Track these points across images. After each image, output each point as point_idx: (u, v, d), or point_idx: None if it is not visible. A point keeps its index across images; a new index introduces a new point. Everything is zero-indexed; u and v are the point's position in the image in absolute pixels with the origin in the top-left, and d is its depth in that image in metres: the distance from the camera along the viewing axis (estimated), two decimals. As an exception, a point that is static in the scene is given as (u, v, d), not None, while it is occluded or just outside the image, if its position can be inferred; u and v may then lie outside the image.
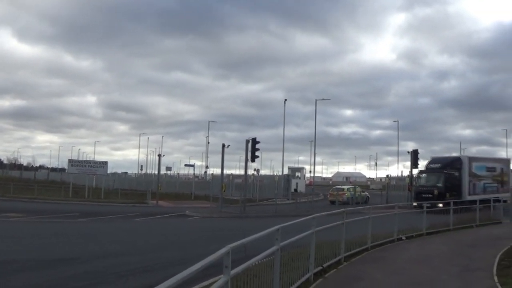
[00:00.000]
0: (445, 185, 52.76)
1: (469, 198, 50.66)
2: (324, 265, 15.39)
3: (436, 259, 18.75)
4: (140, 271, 17.12)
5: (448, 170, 54.31)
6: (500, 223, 34.72)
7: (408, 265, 17.41)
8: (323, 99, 75.63)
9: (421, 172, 58.38)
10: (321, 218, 15.42)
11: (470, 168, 55.64)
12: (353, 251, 18.67)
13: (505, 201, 47.68)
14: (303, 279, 13.16)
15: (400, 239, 23.96)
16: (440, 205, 40.84)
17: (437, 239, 25.33)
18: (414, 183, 59.30)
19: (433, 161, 58.09)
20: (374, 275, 15.32)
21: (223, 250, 7.18)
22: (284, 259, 11.78)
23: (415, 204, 44.85)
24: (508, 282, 14.11)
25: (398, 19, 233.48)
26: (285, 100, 71.32)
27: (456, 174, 54.50)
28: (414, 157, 60.47)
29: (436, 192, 52.03)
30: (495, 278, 14.98)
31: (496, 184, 59.13)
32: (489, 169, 58.88)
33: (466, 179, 54.76)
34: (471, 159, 57.20)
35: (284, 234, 11.03)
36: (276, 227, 10.66)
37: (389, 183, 71.28)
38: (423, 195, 51.53)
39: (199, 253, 21.38)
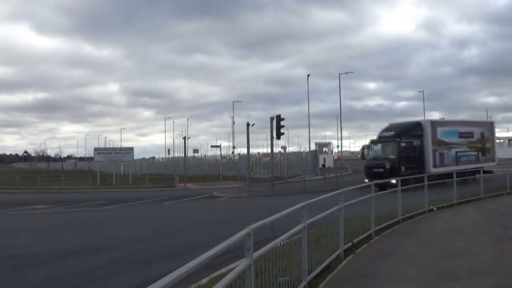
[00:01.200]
0: (400, 157, 43.92)
1: (434, 171, 42.64)
2: (354, 241, 15.01)
3: (468, 229, 18.38)
4: (167, 256, 16.99)
5: (403, 138, 44.90)
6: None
7: (440, 237, 16.97)
8: (346, 73, 74.96)
9: (372, 142, 49.05)
10: (349, 193, 15.07)
11: (435, 135, 46.56)
12: (383, 225, 18.33)
13: (490, 172, 45.61)
14: (333, 256, 12.80)
15: (431, 210, 23.55)
16: (393, 181, 37.39)
17: (469, 208, 24.88)
18: (365, 155, 49.28)
19: (388, 128, 48.96)
20: (406, 249, 14.93)
21: (243, 232, 6.84)
22: (312, 237, 11.48)
23: (366, 180, 40.61)
24: (545, 250, 13.72)
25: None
26: (308, 75, 70.69)
27: (415, 142, 45.39)
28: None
29: (387, 165, 43.74)
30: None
31: (474, 152, 50.63)
32: (464, 135, 49.80)
33: (429, 148, 45.78)
34: (436, 124, 48.22)
35: (311, 210, 10.72)
36: (302, 204, 10.35)
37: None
38: (374, 169, 44.60)
39: (226, 234, 21.25)
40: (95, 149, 73.42)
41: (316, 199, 11.95)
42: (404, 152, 44.31)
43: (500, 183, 29.52)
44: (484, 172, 40.57)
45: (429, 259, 13.44)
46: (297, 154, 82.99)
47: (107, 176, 75.08)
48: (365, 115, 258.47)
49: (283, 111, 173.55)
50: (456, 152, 48.51)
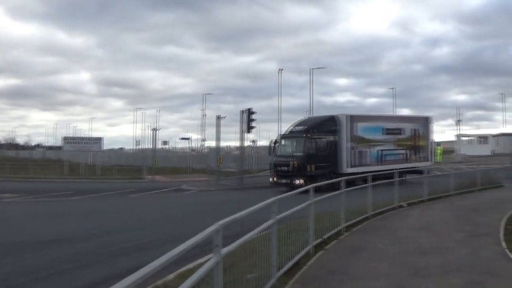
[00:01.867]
0: (307, 154, 39.20)
1: (350, 170, 40.02)
2: (324, 237, 14.83)
3: (439, 226, 18.31)
4: (134, 250, 16.63)
5: (313, 133, 40.05)
6: (502, 187, 34.33)
7: (411, 232, 16.87)
8: (318, 68, 75.30)
9: (281, 136, 44.08)
10: (318, 187, 14.87)
11: (353, 131, 42.19)
12: (353, 221, 18.12)
13: (420, 172, 40.28)
14: (303, 252, 12.58)
15: (401, 206, 23.48)
16: (298, 181, 36.36)
17: (439, 204, 24.90)
18: (273, 151, 42.79)
19: (300, 122, 44.59)
20: (377, 245, 14.76)
21: (211, 228, 6.59)
22: (282, 232, 11.28)
23: (271, 179, 40.32)
24: (516, 248, 13.60)
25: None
26: (280, 70, 70.91)
27: (328, 138, 40.75)
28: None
29: (293, 163, 39.10)
30: (503, 244, 14.49)
31: (403, 151, 46.33)
32: (391, 131, 45.64)
33: (344, 145, 41.35)
34: (354, 118, 43.30)
35: (282, 205, 10.50)
36: (273, 199, 10.14)
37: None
38: (280, 168, 40.12)
39: (194, 228, 20.94)
40: (64, 138, 73.45)
41: (286, 194, 11.73)
42: (313, 149, 39.77)
43: (440, 185, 29.07)
44: (415, 172, 40.95)
45: (400, 255, 13.33)
46: (267, 148, 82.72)
47: (76, 166, 74.50)
48: (336, 110, 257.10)
49: (254, 105, 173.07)
50: (381, 151, 44.33)
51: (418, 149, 47.79)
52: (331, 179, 24.87)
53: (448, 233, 16.67)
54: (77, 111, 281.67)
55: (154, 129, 69.72)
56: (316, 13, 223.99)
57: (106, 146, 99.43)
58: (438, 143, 69.03)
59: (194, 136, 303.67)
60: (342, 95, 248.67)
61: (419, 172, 41.43)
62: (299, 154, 39.87)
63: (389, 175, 25.55)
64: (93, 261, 15.06)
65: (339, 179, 18.42)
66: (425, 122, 50.00)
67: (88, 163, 78.24)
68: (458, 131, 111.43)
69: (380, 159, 43.92)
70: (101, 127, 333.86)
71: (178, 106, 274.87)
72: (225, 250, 7.22)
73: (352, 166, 41.16)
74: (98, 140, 71.37)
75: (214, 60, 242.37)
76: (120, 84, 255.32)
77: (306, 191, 13.55)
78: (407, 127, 47.28)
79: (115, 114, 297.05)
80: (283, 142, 42.85)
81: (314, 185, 14.17)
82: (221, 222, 6.96)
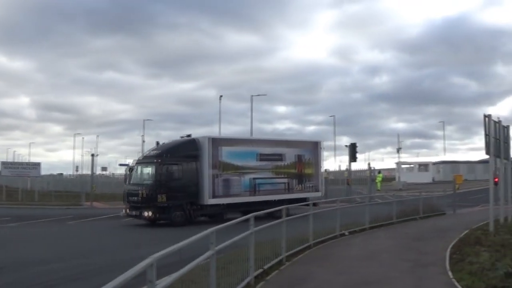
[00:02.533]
0: (158, 182, 34.88)
1: (213, 201, 36.14)
2: (265, 267, 14.28)
3: (384, 255, 17.93)
4: (68, 280, 15.95)
5: (166, 158, 35.77)
6: (444, 214, 34.28)
7: (355, 262, 16.44)
8: (259, 95, 75.11)
9: (136, 163, 39.71)
10: (260, 217, 14.33)
11: (217, 156, 37.47)
12: (294, 250, 17.67)
13: (314, 205, 29.47)
14: (243, 283, 12.03)
15: (343, 234, 23.12)
16: (146, 213, 33.77)
17: (382, 233, 24.64)
18: (126, 180, 39.83)
19: (156, 147, 40.28)
20: (320, 275, 14.27)
21: (145, 262, 6.02)
22: (221, 262, 10.73)
23: (124, 211, 36.75)
24: (464, 278, 13.21)
25: (328, 16, 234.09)
26: (221, 96, 70.59)
27: (185, 165, 36.31)
28: (352, 150, 57.94)
29: (142, 193, 35.13)
30: (450, 274, 14.08)
31: (285, 180, 40.80)
32: (267, 157, 40.37)
33: (205, 172, 36.52)
34: (219, 142, 38.70)
35: (220, 235, 9.94)
36: (211, 229, 9.58)
37: (328, 177, 70.54)
38: (130, 197, 36.47)
39: (131, 257, 20.28)
40: (2, 163, 71.56)
41: (225, 224, 11.14)
42: (164, 176, 35.20)
43: (382, 213, 28.68)
44: (298, 201, 35.42)
45: (346, 286, 12.96)
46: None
47: (14, 192, 73.07)
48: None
49: (194, 132, 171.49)
50: (253, 179, 38.97)
51: (304, 178, 42.38)
52: (189, 211, 24.06)
53: (393, 262, 16.30)
54: (16, 136, 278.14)
55: (93, 155, 68.83)
56: (256, 41, 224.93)
57: (45, 171, 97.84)
58: (379, 171, 69.03)
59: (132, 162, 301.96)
60: (282, 123, 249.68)
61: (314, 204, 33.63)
62: (148, 182, 35.85)
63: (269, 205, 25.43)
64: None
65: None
66: (314, 147, 44.38)
67: (26, 188, 76.86)
68: (399, 158, 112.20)
69: (254, 189, 38.80)
70: (41, 152, 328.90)
71: (117, 132, 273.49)
72: (161, 285, 6.75)
73: (215, 197, 36.34)
74: (37, 165, 69.84)
75: (153, 86, 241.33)
76: (59, 109, 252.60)
77: (247, 220, 13.03)
78: (290, 153, 41.86)
79: (54, 139, 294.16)
80: (136, 168, 38.43)
81: (255, 213, 13.62)
82: (156, 255, 6.50)
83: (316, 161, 43.49)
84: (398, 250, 19.11)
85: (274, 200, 34.15)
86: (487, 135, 23.18)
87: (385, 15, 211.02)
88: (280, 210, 17.55)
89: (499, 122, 24.79)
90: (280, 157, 40.91)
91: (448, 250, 18.28)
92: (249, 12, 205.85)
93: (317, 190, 42.56)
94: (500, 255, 15.90)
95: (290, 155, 41.52)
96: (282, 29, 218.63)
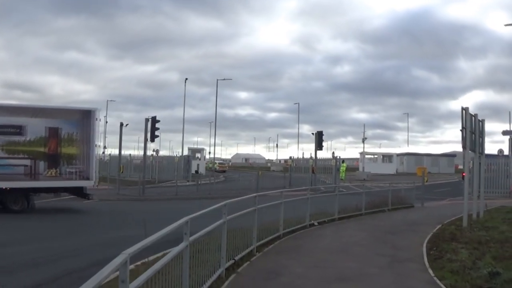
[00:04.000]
0: None
1: None
2: (236, 258, 13.46)
3: (357, 248, 17.18)
4: (27, 265, 14.88)
5: None
6: (413, 207, 33.85)
7: (328, 255, 15.70)
8: (224, 80, 74.41)
9: None
10: (231, 204, 13.51)
11: None
12: (265, 240, 16.92)
13: (88, 196, 32.34)
14: (215, 276, 11.22)
15: (313, 224, 22.47)
16: None
17: (352, 224, 23.99)
18: None
19: None
20: (293, 269, 13.47)
21: (119, 260, 5.20)
22: (192, 250, 9.86)
23: None
24: (446, 276, 12.55)
25: (290, 4, 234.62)
26: (186, 79, 69.73)
27: None
28: (319, 138, 57.11)
29: None
30: (430, 271, 13.42)
31: (26, 162, 32.35)
32: None
33: None
34: None
35: (191, 223, 9.14)
36: (185, 219, 8.77)
37: (292, 165, 69.87)
38: None
39: (95, 241, 19.44)
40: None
41: (199, 212, 10.26)
42: None
43: (350, 204, 28.13)
44: (52, 190, 32.41)
45: (322, 281, 12.16)
46: (170, 158, 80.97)
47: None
48: (236, 123, 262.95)
49: (155, 114, 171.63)
50: None
51: (62, 160, 34.00)
52: None
53: (369, 257, 15.53)
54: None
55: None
56: (219, 26, 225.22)
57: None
58: (342, 160, 68.56)
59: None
60: (243, 109, 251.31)
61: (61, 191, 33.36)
62: None
63: None
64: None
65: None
66: (83, 118, 34.01)
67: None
68: (363, 148, 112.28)
69: None
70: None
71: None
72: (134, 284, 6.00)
73: None
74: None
75: (115, 67, 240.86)
76: (21, 87, 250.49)
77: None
78: (37, 125, 33.04)
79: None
80: None
81: (228, 201, 12.81)
82: (130, 250, 5.73)
83: (86, 137, 33.33)
84: (372, 243, 18.35)
85: (7, 188, 28.27)
86: (464, 128, 22.67)
87: (348, 5, 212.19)
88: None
89: (475, 115, 24.24)
90: (18, 129, 32.35)
91: (424, 245, 17.73)
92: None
93: (86, 178, 32.43)
94: (479, 253, 15.48)
95: (37, 127, 32.97)
96: (245, 15, 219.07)
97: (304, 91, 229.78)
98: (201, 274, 10.20)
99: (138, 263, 11.39)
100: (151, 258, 10.98)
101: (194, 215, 9.50)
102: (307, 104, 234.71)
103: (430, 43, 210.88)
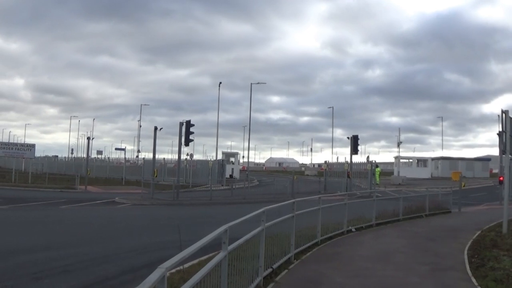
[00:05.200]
0: None
1: None
2: (274, 266, 13.12)
3: (398, 256, 16.78)
4: (59, 271, 14.73)
5: None
6: (450, 212, 33.29)
7: (369, 263, 15.26)
8: (258, 83, 74.28)
9: None
10: (269, 211, 13.13)
11: None
12: (303, 247, 16.56)
13: None
14: (253, 286, 10.89)
15: (350, 231, 22.10)
16: None
17: (390, 230, 23.52)
18: None
19: None
20: (334, 278, 13.10)
21: (155, 276, 4.85)
22: (228, 258, 9.52)
23: None
24: (490, 286, 12.23)
25: (320, 8, 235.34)
26: (220, 83, 69.69)
27: None
28: (354, 142, 56.59)
29: None
30: (473, 280, 13.04)
31: None
32: None
33: None
34: None
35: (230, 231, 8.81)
36: (224, 227, 8.45)
37: (327, 169, 69.29)
38: None
39: (127, 247, 19.15)
40: (-4, 143, 70.61)
41: (238, 220, 9.91)
42: None
43: (387, 209, 27.59)
44: None
45: (363, 292, 11.72)
46: (204, 162, 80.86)
47: (7, 173, 72.16)
48: (268, 127, 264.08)
49: (188, 118, 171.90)
50: None
51: None
52: None
53: (410, 265, 15.14)
54: (12, 117, 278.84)
55: (89, 138, 67.68)
56: (250, 30, 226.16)
57: (39, 153, 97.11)
58: (376, 164, 67.91)
59: (128, 147, 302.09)
60: (275, 113, 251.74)
61: None
62: None
63: None
64: (9, 285, 13.11)
65: (291, 200, 16.65)
66: None
67: (20, 170, 76.00)
68: (398, 153, 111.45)
69: None
70: (35, 133, 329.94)
71: (111, 116, 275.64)
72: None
73: None
74: (31, 146, 68.78)
75: (147, 72, 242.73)
76: (54, 91, 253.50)
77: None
78: None
79: (49, 122, 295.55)
80: None
81: (267, 208, 12.44)
82: (167, 264, 5.37)
83: None
84: (412, 251, 17.95)
85: None
86: (503, 132, 22.14)
87: (377, 9, 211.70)
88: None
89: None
90: None
91: (465, 252, 17.38)
92: (242, 1, 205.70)
93: None
94: (523, 261, 14.95)
95: None
96: (276, 19, 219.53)
97: (336, 95, 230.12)
98: (239, 283, 9.86)
99: (173, 270, 11.06)
100: (186, 265, 10.69)
101: (233, 223, 9.19)
102: (339, 108, 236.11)
103: (461, 46, 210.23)
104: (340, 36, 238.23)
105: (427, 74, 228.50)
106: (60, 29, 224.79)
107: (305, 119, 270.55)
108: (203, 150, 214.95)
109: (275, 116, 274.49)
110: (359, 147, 57.64)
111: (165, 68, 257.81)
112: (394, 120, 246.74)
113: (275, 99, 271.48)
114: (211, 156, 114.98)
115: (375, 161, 62.69)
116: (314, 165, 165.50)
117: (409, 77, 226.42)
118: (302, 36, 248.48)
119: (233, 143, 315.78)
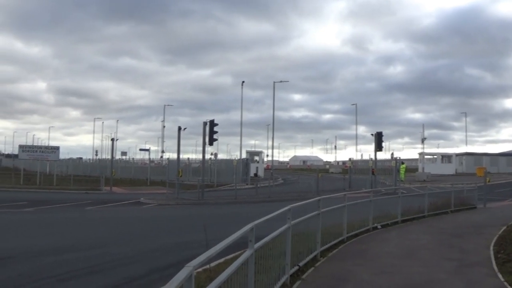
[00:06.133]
0: None
1: None
2: (300, 264, 13.12)
3: (424, 252, 16.68)
4: (85, 273, 14.80)
5: None
6: (475, 208, 33.13)
7: (395, 260, 15.24)
8: (281, 81, 74.23)
9: None
10: (295, 209, 13.13)
11: None
12: (329, 245, 16.55)
13: None
14: (279, 283, 10.90)
15: (376, 228, 22.04)
16: None
17: (415, 227, 23.44)
18: None
19: None
20: (360, 275, 13.09)
21: (183, 274, 4.90)
22: (255, 256, 9.54)
23: None
24: (517, 281, 12.07)
25: (339, 5, 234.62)
26: (243, 82, 69.65)
27: None
28: (378, 139, 56.55)
29: None
30: (500, 276, 12.93)
31: None
32: None
33: None
34: None
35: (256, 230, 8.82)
36: (250, 225, 8.45)
37: (352, 167, 69.11)
38: None
39: (153, 247, 19.23)
40: (20, 146, 70.89)
41: (264, 218, 9.93)
42: None
43: (412, 206, 27.51)
44: None
45: (390, 289, 11.69)
46: (228, 161, 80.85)
47: (32, 175, 72.48)
48: (291, 125, 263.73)
49: (211, 118, 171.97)
50: None
51: None
52: None
53: (436, 261, 15.06)
54: (35, 120, 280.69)
55: (113, 139, 67.88)
56: (270, 29, 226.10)
57: (64, 155, 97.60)
58: (402, 161, 67.66)
59: (152, 147, 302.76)
60: (298, 111, 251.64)
61: None
62: None
63: None
64: (35, 286, 13.21)
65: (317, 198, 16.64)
66: None
67: (45, 172, 76.36)
68: (422, 149, 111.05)
69: None
70: (59, 136, 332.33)
71: (134, 117, 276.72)
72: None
73: None
74: (55, 149, 69.04)
75: (169, 72, 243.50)
76: (77, 94, 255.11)
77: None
78: None
79: (72, 124, 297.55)
80: None
81: (292, 205, 12.44)
82: (194, 262, 5.45)
83: None
84: (438, 247, 17.87)
85: None
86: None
87: (396, 5, 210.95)
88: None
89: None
90: None
91: (491, 248, 17.23)
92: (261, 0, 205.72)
93: None
94: (550, 257, 14.86)
95: None
96: (295, 17, 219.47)
97: (358, 92, 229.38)
98: (265, 282, 9.88)
99: (200, 269, 11.08)
100: (212, 264, 10.73)
101: (259, 221, 9.21)
102: (361, 105, 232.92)
103: (481, 41, 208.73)
104: (360, 33, 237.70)
105: (448, 69, 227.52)
106: (81, 32, 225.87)
107: (327, 116, 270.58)
108: (227, 149, 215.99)
109: (297, 114, 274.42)
110: (383, 144, 57.53)
111: (186, 69, 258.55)
112: (417, 116, 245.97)
113: (297, 97, 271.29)
114: (235, 155, 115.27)
115: (399, 157, 62.49)
116: (338, 163, 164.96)
117: (431, 73, 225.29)
118: (322, 34, 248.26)
119: (256, 142, 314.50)
